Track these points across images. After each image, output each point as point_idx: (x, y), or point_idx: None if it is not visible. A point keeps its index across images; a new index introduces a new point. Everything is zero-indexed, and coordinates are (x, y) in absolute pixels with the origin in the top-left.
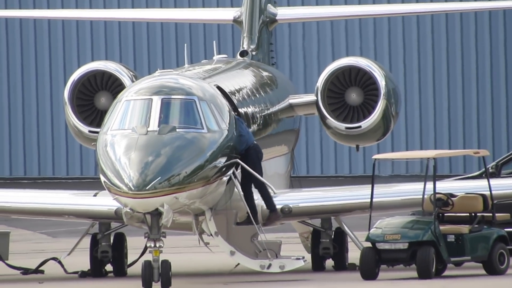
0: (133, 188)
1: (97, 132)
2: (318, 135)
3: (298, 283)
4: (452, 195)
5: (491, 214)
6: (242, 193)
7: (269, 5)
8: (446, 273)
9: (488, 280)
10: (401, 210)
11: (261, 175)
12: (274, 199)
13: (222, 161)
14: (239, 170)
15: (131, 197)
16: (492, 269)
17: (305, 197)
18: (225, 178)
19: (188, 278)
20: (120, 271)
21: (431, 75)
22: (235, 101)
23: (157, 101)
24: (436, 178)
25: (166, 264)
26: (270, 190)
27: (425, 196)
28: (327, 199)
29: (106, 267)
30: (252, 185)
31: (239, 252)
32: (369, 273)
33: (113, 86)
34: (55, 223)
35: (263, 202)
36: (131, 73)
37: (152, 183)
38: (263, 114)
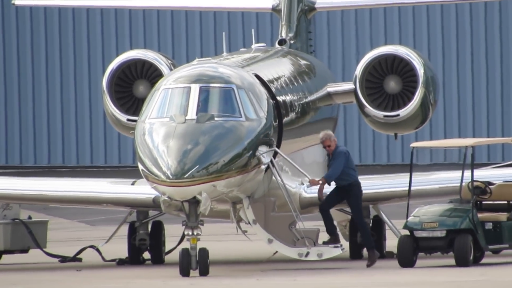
0: (171, 177)
1: (135, 121)
2: (356, 123)
3: (335, 271)
4: (490, 183)
5: None
6: (280, 181)
7: None
8: (484, 260)
9: None
10: (439, 198)
11: (361, 213)
12: (312, 187)
13: (260, 149)
14: (277, 158)
15: (169, 185)
16: None
17: None
18: (263, 167)
19: (226, 266)
20: (158, 259)
21: (469, 63)
22: (273, 90)
23: (195, 89)
24: (474, 166)
25: (203, 252)
26: (306, 179)
27: (463, 184)
28: (365, 187)
29: (144, 255)
30: (289, 173)
31: (277, 240)
32: (406, 261)
33: (152, 75)
34: (93, 212)
35: (301, 189)
36: (170, 61)
37: (190, 172)
38: (301, 102)
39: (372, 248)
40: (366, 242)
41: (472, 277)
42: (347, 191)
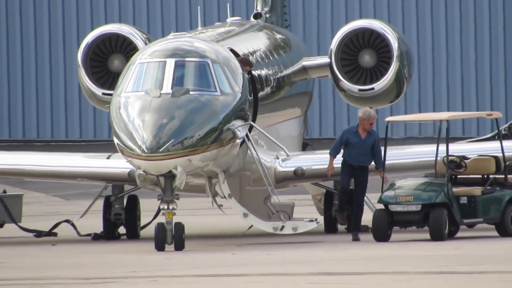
0: (146, 151)
1: (110, 95)
2: (331, 97)
3: (310, 245)
4: (465, 157)
5: (503, 176)
6: (255, 155)
7: None
8: (458, 234)
9: (500, 241)
10: (414, 172)
11: (364, 195)
12: (287, 161)
13: (235, 123)
14: (252, 133)
15: (145, 159)
16: (504, 230)
17: (318, 159)
18: (238, 141)
19: (201, 240)
20: (133, 234)
21: (444, 37)
22: None
23: (170, 63)
24: (449, 140)
25: (179, 227)
26: (283, 152)
27: (438, 158)
28: (340, 161)
29: (119, 230)
30: (264, 148)
31: (252, 214)
32: (381, 235)
33: (127, 49)
34: (68, 186)
35: (276, 163)
36: (145, 36)
37: (166, 146)
38: (276, 76)
39: (359, 230)
40: (356, 224)
41: (447, 251)
42: (361, 172)
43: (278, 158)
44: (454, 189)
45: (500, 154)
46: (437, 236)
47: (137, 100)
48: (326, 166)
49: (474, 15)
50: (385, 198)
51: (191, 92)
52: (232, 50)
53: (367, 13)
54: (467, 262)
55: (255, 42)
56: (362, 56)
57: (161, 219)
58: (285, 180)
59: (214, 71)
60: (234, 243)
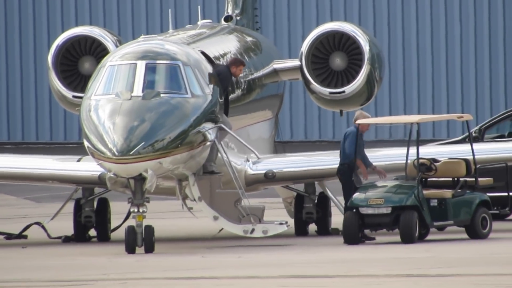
0: (117, 153)
1: (81, 97)
2: (302, 100)
3: (281, 248)
4: (435, 160)
5: (474, 179)
6: (226, 158)
7: None
8: (429, 237)
9: (470, 244)
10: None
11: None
12: (257, 164)
13: (206, 126)
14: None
15: (115, 162)
16: (475, 233)
17: (289, 162)
18: (208, 143)
19: (172, 243)
20: (104, 236)
21: (415, 40)
22: None
23: (141, 66)
24: (419, 142)
25: (149, 229)
26: (253, 155)
27: (409, 161)
28: (311, 164)
29: (89, 232)
30: (235, 150)
31: (222, 217)
32: (352, 238)
33: (97, 51)
34: (39, 188)
35: (247, 166)
36: (115, 38)
37: (136, 148)
38: (247, 79)
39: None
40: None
41: (417, 254)
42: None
43: (249, 161)
44: (425, 192)
45: (470, 157)
46: (407, 238)
47: (107, 102)
48: (297, 169)
49: (445, 18)
50: (355, 201)
51: (161, 95)
52: (203, 53)
53: (338, 16)
54: (438, 264)
55: (226, 45)
56: (333, 59)
57: (131, 222)
58: (255, 183)
59: (185, 73)
60: (204, 246)
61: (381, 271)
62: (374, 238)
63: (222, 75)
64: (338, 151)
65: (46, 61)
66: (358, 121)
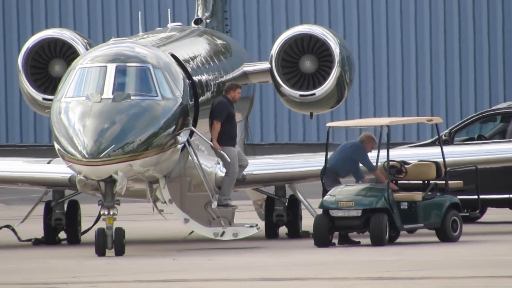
0: (87, 156)
1: (51, 100)
2: (272, 102)
3: (251, 250)
4: (405, 163)
5: (444, 182)
6: (196, 160)
7: None
8: (399, 240)
9: (440, 247)
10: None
11: None
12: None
13: (176, 128)
14: (193, 138)
15: (85, 164)
16: (445, 236)
17: (259, 164)
18: (179, 146)
19: (142, 246)
20: (74, 239)
21: (385, 43)
22: (189, 69)
23: (111, 68)
24: (389, 145)
25: (120, 232)
26: (224, 158)
27: (379, 164)
28: (281, 166)
29: (59, 235)
30: (205, 153)
31: (193, 220)
32: (322, 240)
33: (68, 53)
34: (9, 191)
35: (217, 169)
36: (86, 41)
37: (106, 151)
38: (217, 81)
39: None
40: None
41: (387, 257)
42: None
43: (219, 164)
44: (395, 195)
45: (440, 160)
46: (377, 241)
47: (78, 105)
48: (268, 172)
49: (415, 21)
50: (326, 203)
51: (132, 97)
52: (173, 56)
53: (308, 19)
54: (408, 267)
55: (196, 48)
56: (303, 61)
57: (101, 224)
58: None
59: (155, 76)
60: (175, 249)
61: (351, 273)
62: (359, 243)
63: (220, 106)
64: (308, 154)
65: (16, 64)
66: (329, 124)
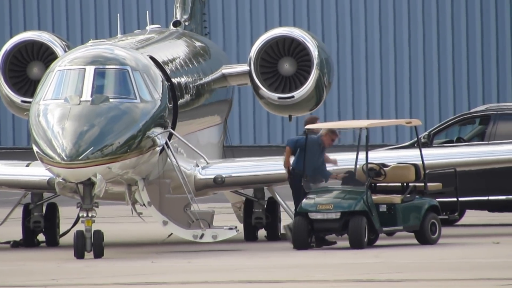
0: (65, 158)
1: (29, 102)
2: (251, 105)
3: (230, 253)
4: (384, 165)
5: (423, 184)
6: (175, 162)
7: None
8: (378, 242)
9: (419, 249)
10: (334, 180)
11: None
12: (206, 169)
13: (155, 131)
14: (172, 140)
15: (64, 167)
16: (424, 238)
17: (238, 167)
18: (158, 148)
19: (121, 248)
20: (53, 241)
21: (363, 45)
22: (168, 72)
23: (90, 71)
24: (368, 148)
25: (98, 234)
26: (203, 160)
27: (358, 166)
28: (260, 169)
29: (38, 237)
30: (184, 155)
31: (172, 222)
32: (301, 243)
33: (46, 55)
34: None
35: (196, 171)
36: (64, 43)
37: (85, 153)
38: (196, 84)
39: None
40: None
41: (366, 259)
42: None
43: (198, 166)
44: (374, 197)
45: (419, 162)
46: (356, 244)
47: (56, 107)
48: (246, 174)
49: (394, 23)
50: (305, 206)
51: (110, 100)
52: (152, 58)
53: (287, 21)
54: (387, 270)
55: (175, 50)
56: (282, 64)
57: (80, 226)
58: (205, 188)
59: (134, 78)
60: (154, 251)
61: (330, 276)
62: (335, 243)
63: None
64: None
65: None
66: (307, 126)
